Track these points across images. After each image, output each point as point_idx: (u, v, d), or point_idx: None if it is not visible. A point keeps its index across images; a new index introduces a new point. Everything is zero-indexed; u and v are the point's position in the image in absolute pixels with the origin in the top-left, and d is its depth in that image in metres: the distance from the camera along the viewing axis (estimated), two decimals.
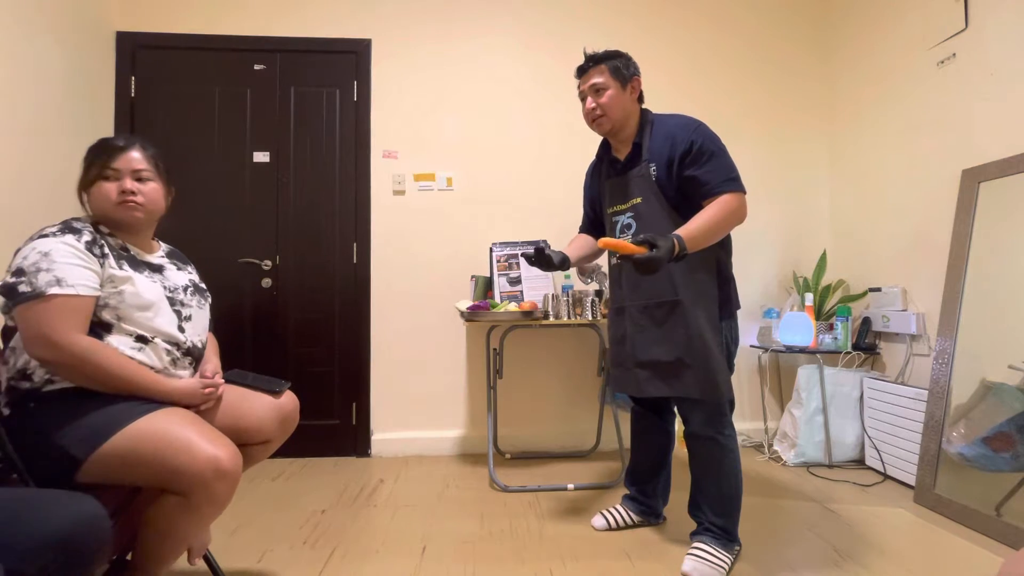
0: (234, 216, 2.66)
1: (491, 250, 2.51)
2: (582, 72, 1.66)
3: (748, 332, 2.69)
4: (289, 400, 1.41)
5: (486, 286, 2.53)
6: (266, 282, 2.65)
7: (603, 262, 2.18)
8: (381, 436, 2.68)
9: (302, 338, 2.67)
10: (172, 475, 1.06)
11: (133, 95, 2.64)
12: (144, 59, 2.65)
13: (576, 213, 2.01)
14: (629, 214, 1.63)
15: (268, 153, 2.68)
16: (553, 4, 2.81)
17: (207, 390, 1.26)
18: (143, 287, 1.21)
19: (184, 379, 1.26)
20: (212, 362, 1.36)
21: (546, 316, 2.25)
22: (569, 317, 2.27)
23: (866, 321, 2.56)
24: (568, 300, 2.28)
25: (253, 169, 2.68)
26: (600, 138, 1.76)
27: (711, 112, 2.50)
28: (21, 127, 2.08)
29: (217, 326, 1.52)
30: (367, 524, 1.87)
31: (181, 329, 1.27)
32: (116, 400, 1.13)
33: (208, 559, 1.42)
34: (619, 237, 1.66)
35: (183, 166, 2.61)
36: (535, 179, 2.77)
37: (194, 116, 2.66)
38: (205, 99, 2.67)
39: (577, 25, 2.80)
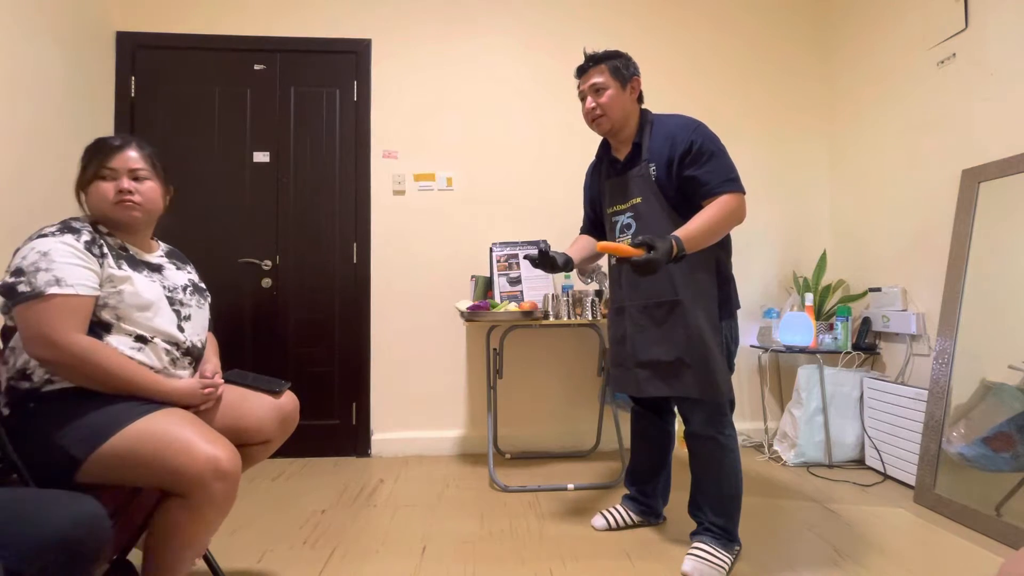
0: (234, 216, 2.66)
1: (491, 250, 2.51)
2: (582, 72, 1.66)
3: (748, 332, 2.69)
4: (289, 400, 1.41)
5: (486, 286, 2.53)
6: (266, 282, 2.65)
7: (603, 262, 2.19)
8: (381, 436, 2.68)
9: (302, 338, 2.67)
10: (171, 475, 1.06)
11: (133, 95, 2.64)
12: (144, 59, 2.65)
13: (576, 213, 2.01)
14: (629, 214, 1.63)
15: (268, 153, 2.68)
16: (553, 4, 2.81)
17: (207, 390, 1.26)
18: (142, 287, 1.21)
19: (184, 379, 1.25)
20: (212, 362, 1.36)
21: (546, 316, 2.25)
22: (569, 317, 2.27)
23: (866, 321, 2.56)
24: (568, 300, 2.28)
25: (253, 169, 2.68)
26: (600, 138, 1.76)
27: (711, 112, 2.51)
28: (21, 127, 2.08)
29: (217, 326, 1.52)
30: (367, 524, 1.87)
31: (180, 329, 1.26)
32: (116, 400, 1.12)
33: (208, 559, 1.41)
34: (619, 237, 1.67)
35: (183, 166, 2.61)
36: (535, 179, 2.77)
37: (194, 116, 2.66)
38: (205, 99, 2.67)
39: (577, 25, 2.81)
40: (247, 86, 2.69)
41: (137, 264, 1.25)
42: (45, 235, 1.14)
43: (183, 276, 1.36)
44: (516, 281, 2.46)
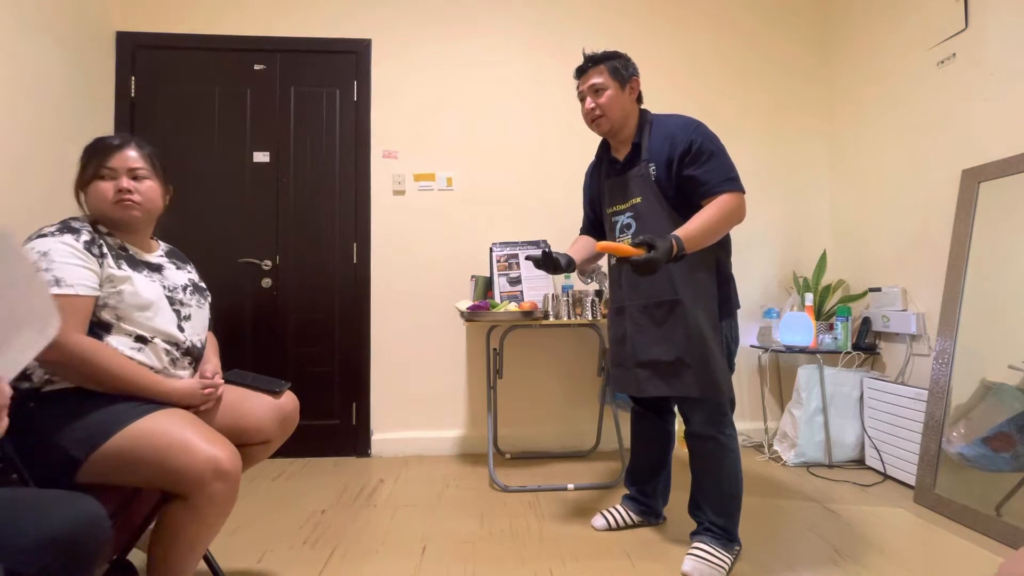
0: (234, 216, 2.66)
1: (491, 250, 2.51)
2: (581, 72, 1.66)
3: (748, 332, 2.69)
4: (289, 400, 1.41)
5: (486, 286, 2.53)
6: (266, 282, 2.65)
7: (603, 262, 2.18)
8: (381, 436, 2.68)
9: (302, 338, 2.67)
10: (171, 475, 1.06)
11: (133, 95, 2.64)
12: (144, 59, 2.65)
13: (576, 213, 2.01)
14: (629, 214, 1.63)
15: (268, 153, 2.68)
16: (553, 4, 2.81)
17: (207, 390, 1.26)
18: (142, 287, 1.21)
19: (184, 379, 1.25)
20: (212, 362, 1.36)
21: (546, 316, 2.25)
22: (569, 317, 2.27)
23: (866, 321, 2.56)
24: (568, 300, 2.28)
25: (253, 169, 2.68)
26: (600, 138, 1.76)
27: (711, 112, 2.51)
28: (21, 127, 2.08)
29: (217, 326, 1.51)
30: (367, 524, 1.87)
31: (180, 328, 1.26)
32: (116, 400, 1.12)
33: (208, 559, 1.41)
34: (619, 237, 1.67)
35: (183, 166, 2.61)
36: (535, 179, 2.77)
37: (194, 116, 2.66)
38: (205, 99, 2.67)
39: (577, 25, 2.80)
40: (247, 86, 2.69)
41: (137, 264, 1.25)
42: (44, 235, 1.14)
43: (183, 276, 1.36)
44: (516, 281, 2.46)
